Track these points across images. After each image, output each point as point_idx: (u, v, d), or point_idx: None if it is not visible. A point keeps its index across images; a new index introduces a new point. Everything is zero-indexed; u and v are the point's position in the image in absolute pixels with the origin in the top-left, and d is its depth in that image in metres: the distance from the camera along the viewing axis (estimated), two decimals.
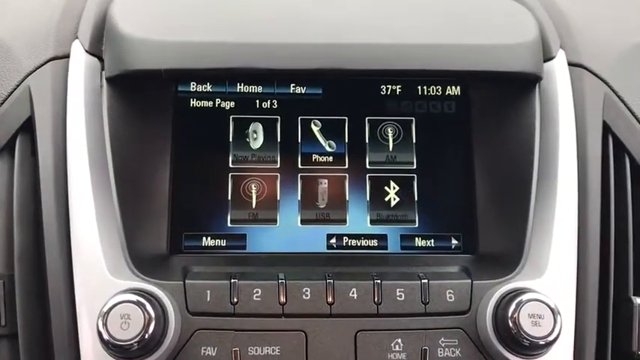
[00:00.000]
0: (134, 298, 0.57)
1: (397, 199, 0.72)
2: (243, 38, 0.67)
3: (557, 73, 0.72)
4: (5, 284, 0.63)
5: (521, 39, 0.69)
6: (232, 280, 0.61)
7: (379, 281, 0.62)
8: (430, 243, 0.71)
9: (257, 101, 0.73)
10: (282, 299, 0.61)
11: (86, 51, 0.70)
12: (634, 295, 0.66)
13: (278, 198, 0.71)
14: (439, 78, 0.74)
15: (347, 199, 0.71)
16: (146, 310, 0.57)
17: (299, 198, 0.71)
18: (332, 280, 0.62)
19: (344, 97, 0.74)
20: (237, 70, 0.67)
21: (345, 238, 0.71)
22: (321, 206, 0.71)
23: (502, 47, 0.68)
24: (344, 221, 0.71)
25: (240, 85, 0.73)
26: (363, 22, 0.70)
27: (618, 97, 0.73)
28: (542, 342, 0.58)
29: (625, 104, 0.72)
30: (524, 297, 0.59)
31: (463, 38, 0.68)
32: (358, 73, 0.69)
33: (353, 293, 0.62)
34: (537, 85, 0.70)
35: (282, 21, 0.70)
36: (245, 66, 0.66)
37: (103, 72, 0.69)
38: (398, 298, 0.62)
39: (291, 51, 0.67)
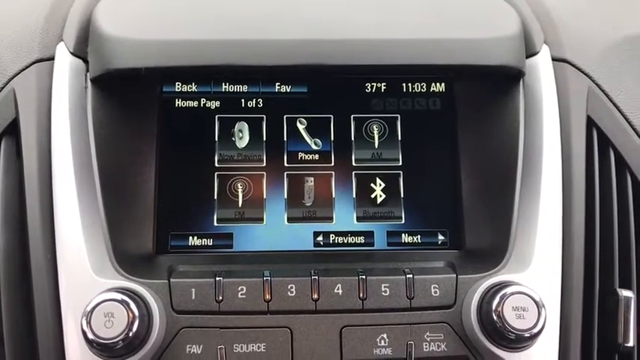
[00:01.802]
0: (118, 296, 0.57)
1: (383, 195, 0.72)
2: (224, 35, 0.68)
3: (541, 68, 0.72)
4: None
5: (502, 33, 0.69)
6: (217, 278, 0.61)
7: (364, 277, 0.62)
8: (417, 239, 0.71)
9: (242, 100, 0.73)
10: (267, 296, 0.61)
11: (71, 53, 0.70)
12: (619, 288, 0.66)
13: (264, 196, 0.71)
14: (422, 75, 0.74)
15: (333, 196, 0.72)
16: (130, 308, 0.57)
17: (285, 196, 0.71)
18: (317, 277, 0.62)
19: (329, 95, 0.74)
20: (217, 67, 0.67)
21: (331, 235, 0.71)
22: (308, 204, 0.71)
23: (484, 41, 0.68)
24: (330, 219, 0.71)
25: (225, 84, 0.73)
26: (346, 17, 0.70)
27: (602, 91, 0.73)
28: (527, 334, 0.58)
29: (609, 98, 0.73)
30: (508, 290, 0.59)
31: (446, 33, 0.68)
32: (341, 69, 0.69)
33: (338, 289, 0.62)
34: (521, 81, 0.71)
35: (264, 18, 0.70)
36: (225, 63, 0.67)
37: (88, 73, 0.69)
38: (383, 293, 0.62)
39: (273, 47, 0.67)
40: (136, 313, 0.57)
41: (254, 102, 0.73)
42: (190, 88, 0.73)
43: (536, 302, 0.58)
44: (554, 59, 0.74)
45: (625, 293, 0.65)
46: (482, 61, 0.68)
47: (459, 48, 0.67)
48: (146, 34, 0.68)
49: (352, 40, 0.68)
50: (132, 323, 0.56)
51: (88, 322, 0.56)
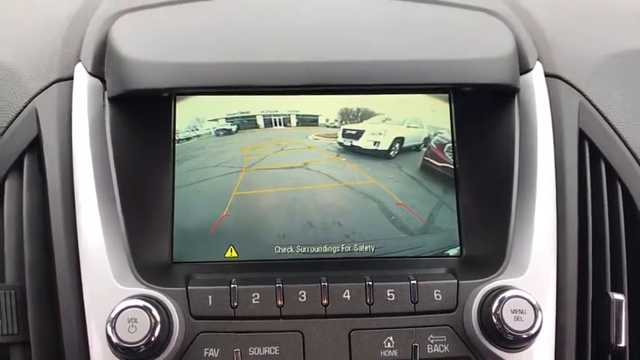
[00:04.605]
0: (140, 303, 0.61)
1: None
2: (236, 58, 0.71)
3: (535, 84, 0.76)
4: (17, 294, 0.67)
5: (499, 53, 0.73)
6: (232, 286, 0.65)
7: (371, 283, 0.66)
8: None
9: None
10: (280, 302, 0.65)
11: (89, 73, 0.74)
12: (611, 291, 0.70)
13: None
14: (422, 93, 0.78)
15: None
16: (152, 314, 0.60)
17: None
18: (326, 283, 0.65)
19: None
20: (231, 88, 0.71)
21: None
22: None
23: (482, 61, 0.72)
24: None
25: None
26: (350, 40, 0.74)
27: (593, 105, 0.77)
28: (524, 335, 0.62)
29: (599, 112, 0.77)
30: (506, 294, 0.63)
31: (446, 54, 0.72)
32: (347, 88, 0.73)
33: (346, 295, 0.65)
34: (516, 96, 0.75)
35: (276, 40, 0.74)
36: (238, 84, 0.70)
37: (105, 92, 0.73)
38: (389, 298, 0.65)
39: (285, 69, 0.71)
40: (158, 318, 0.60)
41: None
42: None
43: (533, 305, 0.62)
44: (547, 75, 0.78)
45: (617, 296, 0.69)
46: (480, 79, 0.72)
47: (458, 68, 0.71)
48: (161, 55, 0.71)
49: (356, 61, 0.71)
50: (154, 328, 0.60)
51: (113, 328, 0.60)
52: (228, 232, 0.73)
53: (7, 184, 0.71)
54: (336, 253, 0.73)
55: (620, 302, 0.68)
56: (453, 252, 0.74)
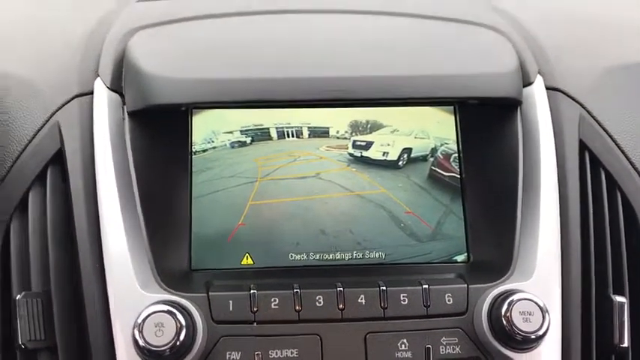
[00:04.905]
0: (166, 308, 0.63)
1: None
2: (250, 74, 0.74)
3: (537, 97, 0.80)
4: (42, 301, 0.69)
5: (504, 68, 0.77)
6: (252, 291, 0.67)
7: (384, 288, 0.68)
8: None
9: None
10: (298, 307, 0.67)
11: (108, 88, 0.77)
12: (613, 294, 0.73)
13: None
14: (430, 105, 0.81)
15: None
16: (177, 319, 0.63)
17: None
18: (342, 288, 0.68)
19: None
20: (246, 103, 0.74)
21: None
22: None
23: (489, 76, 0.76)
24: None
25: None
26: (360, 56, 0.77)
27: (592, 117, 0.81)
28: (532, 336, 0.65)
29: (599, 123, 0.80)
30: (515, 297, 0.66)
31: (454, 68, 0.76)
32: (359, 102, 0.76)
33: (361, 299, 0.68)
34: (518, 108, 0.78)
35: (289, 56, 0.77)
36: (253, 99, 0.73)
37: (125, 106, 0.75)
38: (402, 302, 0.68)
39: (299, 84, 0.74)
40: (183, 322, 0.63)
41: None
42: None
43: (540, 307, 0.65)
44: (547, 88, 0.81)
45: (619, 299, 0.72)
46: (487, 93, 0.75)
47: (466, 82, 0.75)
48: (180, 71, 0.74)
49: (368, 77, 0.75)
50: (179, 332, 0.62)
51: (140, 332, 0.62)
52: (244, 240, 0.76)
53: (31, 194, 0.73)
54: (349, 259, 0.76)
55: (622, 304, 0.71)
56: (460, 258, 0.77)
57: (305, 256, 0.75)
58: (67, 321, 0.69)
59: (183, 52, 0.78)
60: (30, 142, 0.75)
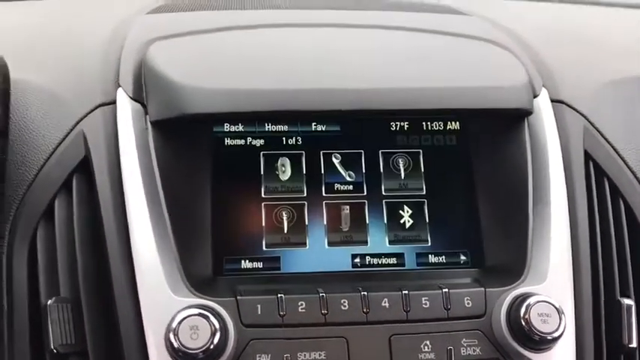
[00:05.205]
0: (200, 312, 0.65)
1: (411, 221, 0.81)
2: (273, 85, 0.77)
3: (542, 109, 0.84)
4: (72, 306, 0.70)
5: (517, 81, 0.80)
6: (279, 295, 0.69)
7: (407, 292, 0.71)
8: (442, 259, 0.81)
9: (283, 138, 0.82)
10: (324, 310, 0.69)
11: (130, 97, 0.78)
12: (620, 297, 0.77)
13: (306, 223, 0.80)
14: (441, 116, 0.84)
15: (367, 222, 0.81)
16: (211, 322, 0.65)
17: (325, 223, 0.80)
18: (366, 293, 0.71)
19: (359, 133, 0.83)
20: (269, 113, 0.77)
21: (367, 257, 0.80)
22: (345, 229, 0.80)
23: (504, 88, 0.79)
24: (365, 242, 0.80)
25: (268, 124, 0.82)
26: (378, 69, 0.80)
27: (595, 128, 0.85)
28: (549, 337, 0.68)
29: (601, 134, 0.85)
30: (532, 299, 0.69)
31: (473, 81, 0.79)
32: (374, 113, 0.79)
33: (385, 303, 0.71)
34: (525, 119, 0.82)
35: (308, 68, 0.80)
36: (277, 109, 0.76)
37: (147, 116, 0.77)
38: (424, 305, 0.71)
39: (317, 95, 0.76)
40: (217, 326, 0.65)
41: (294, 139, 0.82)
42: (237, 128, 0.81)
43: (557, 309, 0.69)
44: (552, 101, 0.85)
45: (627, 301, 0.76)
46: (501, 105, 0.78)
47: (484, 94, 0.78)
48: (201, 82, 0.76)
49: (383, 89, 0.78)
50: (214, 335, 0.64)
51: (176, 335, 0.64)
52: (268, 244, 0.78)
53: (57, 202, 0.74)
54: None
55: (630, 307, 0.75)
56: (475, 263, 0.80)
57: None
58: (96, 325, 0.70)
59: (208, 63, 0.80)
60: (54, 150, 0.76)
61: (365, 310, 0.70)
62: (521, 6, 1.23)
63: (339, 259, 0.80)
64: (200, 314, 0.65)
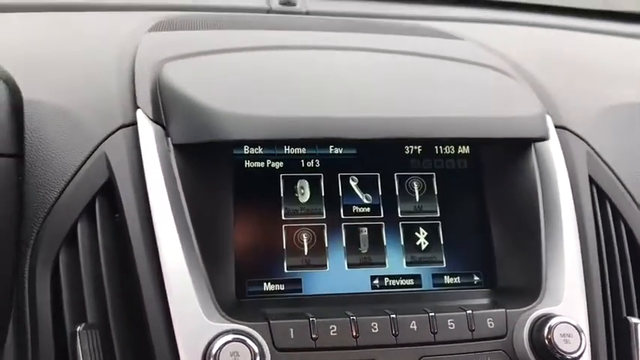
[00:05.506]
0: (238, 337, 0.65)
1: (427, 243, 0.83)
2: (294, 112, 0.77)
3: (549, 135, 0.87)
4: (100, 333, 0.69)
5: (531, 111, 0.83)
6: (311, 319, 0.70)
7: (433, 314, 0.73)
8: (457, 280, 0.83)
9: (302, 161, 0.83)
10: (355, 333, 0.71)
11: (150, 119, 0.78)
12: (627, 315, 0.81)
13: (326, 245, 0.81)
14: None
15: (385, 244, 0.82)
16: (251, 347, 0.65)
17: (344, 244, 0.81)
18: (395, 315, 0.72)
19: (375, 157, 0.85)
20: (289, 141, 0.79)
21: (386, 278, 0.81)
22: (364, 251, 0.82)
23: (525, 119, 0.82)
24: (384, 264, 0.82)
25: (287, 147, 0.83)
26: (396, 97, 0.82)
27: (596, 153, 0.89)
28: (570, 357, 0.71)
29: (602, 160, 0.89)
30: (553, 321, 0.72)
31: (492, 111, 0.82)
32: (391, 140, 0.80)
33: (413, 325, 0.72)
34: (532, 146, 0.85)
35: (328, 95, 0.81)
36: (297, 137, 0.76)
37: (169, 138, 0.77)
38: (450, 327, 0.73)
39: (339, 123, 0.77)
40: (257, 350, 0.65)
41: (312, 162, 0.83)
42: (257, 151, 0.82)
43: (577, 329, 0.72)
44: (556, 127, 0.89)
45: (634, 320, 0.80)
46: (519, 134, 0.81)
47: (504, 124, 0.81)
48: (225, 107, 0.75)
49: (400, 117, 0.79)
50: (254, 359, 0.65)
51: None
52: (289, 266, 0.79)
53: (79, 226, 0.73)
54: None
55: (637, 324, 0.79)
56: (488, 283, 0.83)
57: None
58: (127, 352, 0.69)
59: (226, 85, 0.80)
60: (76, 172, 0.75)
61: (394, 332, 0.72)
62: (507, 30, 1.27)
63: (359, 280, 0.81)
64: (237, 339, 0.65)
